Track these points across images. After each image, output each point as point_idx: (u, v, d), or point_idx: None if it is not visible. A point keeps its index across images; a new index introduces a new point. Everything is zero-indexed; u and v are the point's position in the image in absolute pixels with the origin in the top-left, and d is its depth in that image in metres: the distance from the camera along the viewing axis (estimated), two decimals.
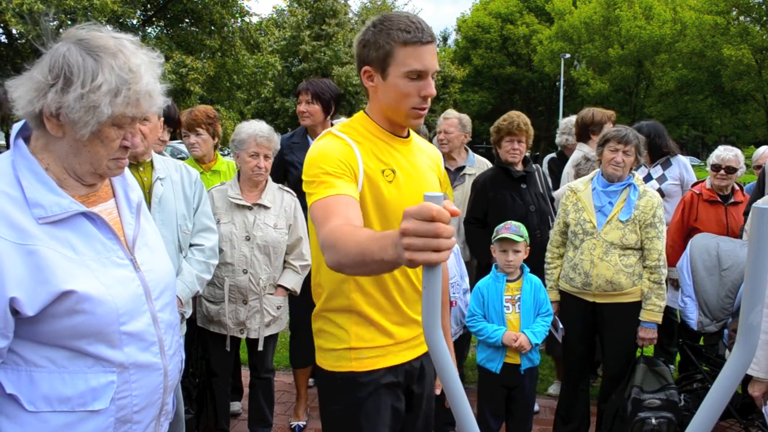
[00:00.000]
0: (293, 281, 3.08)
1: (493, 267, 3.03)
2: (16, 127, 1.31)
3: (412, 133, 1.84)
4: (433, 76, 1.65)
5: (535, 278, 3.02)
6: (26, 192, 1.23)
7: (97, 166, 1.31)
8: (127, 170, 1.52)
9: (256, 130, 2.98)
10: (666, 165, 4.26)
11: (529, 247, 2.99)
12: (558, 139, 4.81)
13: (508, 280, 2.96)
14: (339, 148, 1.63)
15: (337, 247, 1.34)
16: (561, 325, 3.24)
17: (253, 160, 2.96)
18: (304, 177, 1.62)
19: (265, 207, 3.01)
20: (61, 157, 1.29)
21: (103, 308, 1.26)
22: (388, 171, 1.70)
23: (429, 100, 1.67)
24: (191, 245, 2.62)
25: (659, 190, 4.10)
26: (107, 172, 1.34)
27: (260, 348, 3.04)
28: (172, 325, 1.48)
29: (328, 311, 1.79)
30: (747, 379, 2.49)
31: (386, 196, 1.67)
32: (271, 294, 3.04)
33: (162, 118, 2.59)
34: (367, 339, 1.76)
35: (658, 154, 4.20)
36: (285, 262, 3.11)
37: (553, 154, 4.95)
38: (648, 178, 4.19)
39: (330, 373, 1.78)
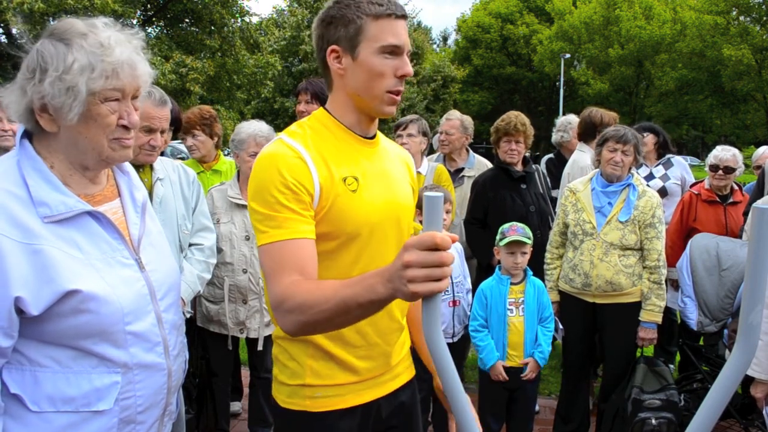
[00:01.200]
0: None
1: (497, 269, 3.03)
2: (21, 127, 1.31)
3: (379, 134, 1.62)
4: (408, 55, 1.46)
5: (538, 281, 3.02)
6: (32, 191, 1.23)
7: (100, 149, 1.29)
8: (133, 170, 1.52)
9: (256, 130, 2.98)
10: (668, 165, 4.30)
11: (531, 248, 2.99)
12: (554, 137, 4.78)
13: (511, 283, 2.96)
14: (290, 162, 1.39)
15: (304, 308, 1.22)
16: (561, 326, 3.24)
17: (253, 159, 2.96)
18: (250, 200, 1.42)
19: None
20: (63, 152, 1.29)
21: (108, 308, 1.26)
22: (350, 179, 1.46)
23: (404, 82, 1.47)
24: (190, 245, 2.64)
25: (663, 188, 4.13)
26: (112, 155, 1.31)
27: (260, 348, 3.04)
28: (176, 325, 1.47)
29: (283, 339, 1.55)
30: (746, 380, 2.50)
31: (348, 209, 1.44)
32: None
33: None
34: (324, 375, 1.51)
35: (665, 150, 4.28)
36: None
37: (551, 155, 4.95)
38: (650, 177, 4.21)
39: (282, 409, 1.55)
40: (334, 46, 1.45)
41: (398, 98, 1.47)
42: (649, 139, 4.28)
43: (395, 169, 1.63)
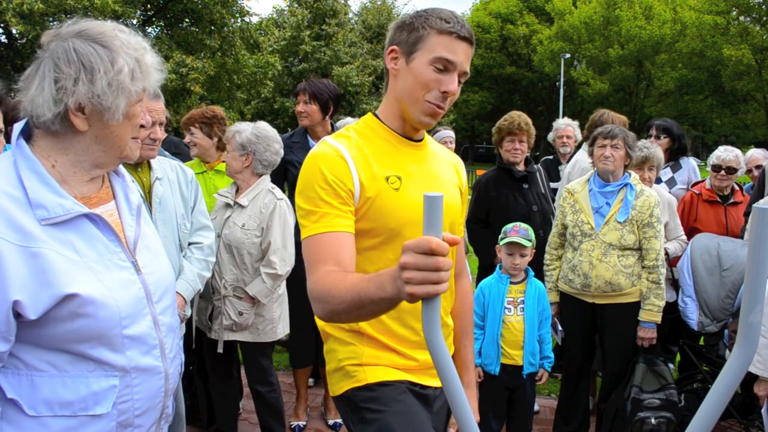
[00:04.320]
0: (256, 288, 2.90)
1: (498, 267, 3.03)
2: (17, 127, 1.29)
3: (427, 138, 1.69)
4: (461, 76, 1.51)
5: (539, 283, 3.02)
6: (29, 193, 1.21)
7: (123, 147, 1.33)
8: (127, 173, 1.51)
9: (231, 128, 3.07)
10: (676, 168, 4.23)
11: (534, 250, 2.98)
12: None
13: (511, 282, 2.96)
14: (332, 162, 1.48)
15: (329, 297, 1.30)
16: (560, 327, 3.24)
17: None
18: (297, 198, 1.51)
19: (241, 206, 2.96)
20: (77, 151, 1.28)
21: (105, 311, 1.25)
22: (393, 178, 1.53)
23: (448, 100, 1.51)
24: (190, 244, 2.64)
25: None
26: (129, 153, 1.36)
27: (219, 350, 2.96)
28: (172, 327, 1.46)
29: (337, 329, 1.62)
30: (746, 380, 2.50)
31: (390, 206, 1.51)
32: (239, 298, 2.93)
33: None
34: (381, 358, 1.58)
35: (679, 154, 4.20)
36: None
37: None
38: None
39: (346, 396, 1.58)
40: (394, 47, 1.54)
41: (439, 111, 1.51)
42: (663, 143, 4.15)
43: (442, 171, 1.68)
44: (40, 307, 1.18)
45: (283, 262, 2.90)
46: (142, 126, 1.37)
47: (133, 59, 1.28)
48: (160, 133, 2.43)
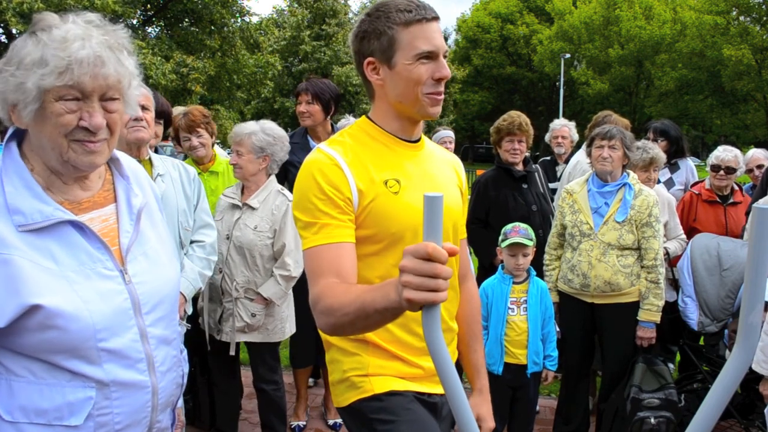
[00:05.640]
0: (270, 290, 2.89)
1: (500, 268, 3.03)
2: (10, 129, 1.26)
3: (424, 138, 1.64)
4: (445, 55, 1.46)
5: (542, 282, 3.02)
6: (8, 198, 1.16)
7: (60, 150, 1.19)
8: (135, 174, 1.42)
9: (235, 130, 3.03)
10: (674, 168, 4.23)
11: (535, 248, 2.98)
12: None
13: (514, 282, 2.96)
14: (324, 169, 1.44)
15: (332, 311, 1.28)
16: (558, 328, 3.24)
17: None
18: (294, 209, 1.48)
19: (252, 208, 2.94)
20: (38, 153, 1.23)
21: (77, 324, 1.18)
22: (392, 181, 1.48)
23: (443, 84, 1.47)
24: (192, 242, 2.64)
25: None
26: (74, 158, 1.20)
27: (231, 353, 2.96)
28: (166, 340, 1.36)
29: (340, 338, 1.58)
30: (747, 380, 2.49)
31: (390, 210, 1.47)
32: (251, 300, 2.93)
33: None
34: (387, 367, 1.55)
35: (677, 155, 4.20)
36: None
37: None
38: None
39: (353, 408, 1.54)
40: (370, 59, 1.48)
41: (440, 98, 1.49)
42: (661, 146, 4.11)
43: (441, 172, 1.64)
44: (6, 316, 1.13)
45: (296, 263, 2.90)
46: (85, 129, 1.18)
47: (51, 50, 1.13)
48: (144, 114, 2.40)
